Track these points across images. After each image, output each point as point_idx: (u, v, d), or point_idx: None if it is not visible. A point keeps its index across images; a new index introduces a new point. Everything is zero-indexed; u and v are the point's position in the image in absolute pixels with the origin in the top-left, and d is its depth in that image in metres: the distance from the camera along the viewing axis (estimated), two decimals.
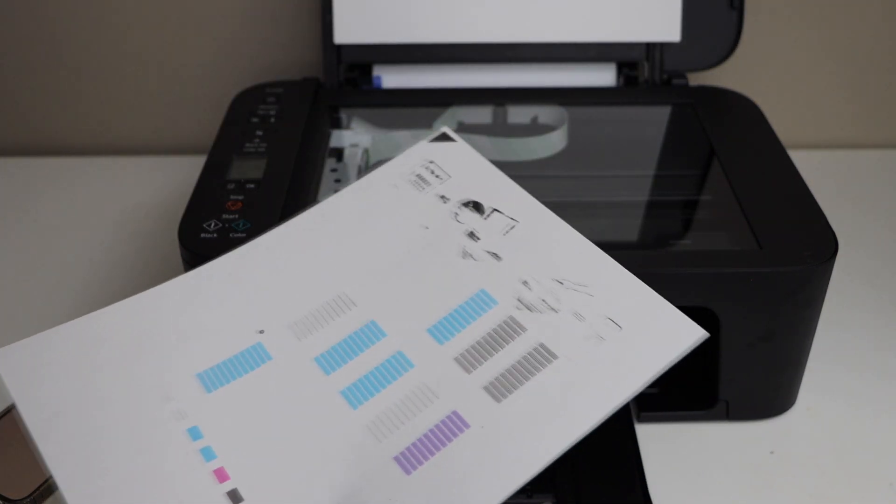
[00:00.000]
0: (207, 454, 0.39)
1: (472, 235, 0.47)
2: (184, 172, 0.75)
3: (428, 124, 0.63)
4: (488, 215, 0.48)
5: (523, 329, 0.43)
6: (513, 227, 0.47)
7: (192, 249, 0.49)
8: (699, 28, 0.68)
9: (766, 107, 0.64)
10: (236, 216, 0.51)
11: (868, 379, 0.55)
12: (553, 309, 0.43)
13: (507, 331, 0.43)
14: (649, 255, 0.52)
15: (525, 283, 0.45)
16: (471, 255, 0.46)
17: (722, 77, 0.75)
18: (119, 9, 0.77)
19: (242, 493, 0.38)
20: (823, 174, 0.69)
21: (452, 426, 0.40)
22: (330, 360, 0.43)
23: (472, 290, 0.45)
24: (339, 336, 0.44)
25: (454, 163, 0.51)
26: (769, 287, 0.46)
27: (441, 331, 0.44)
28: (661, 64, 0.68)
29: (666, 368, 0.41)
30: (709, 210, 0.56)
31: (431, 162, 0.51)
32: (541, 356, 0.42)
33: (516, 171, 0.61)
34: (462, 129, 0.64)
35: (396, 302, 0.45)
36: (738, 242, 0.50)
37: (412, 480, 0.38)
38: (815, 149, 0.80)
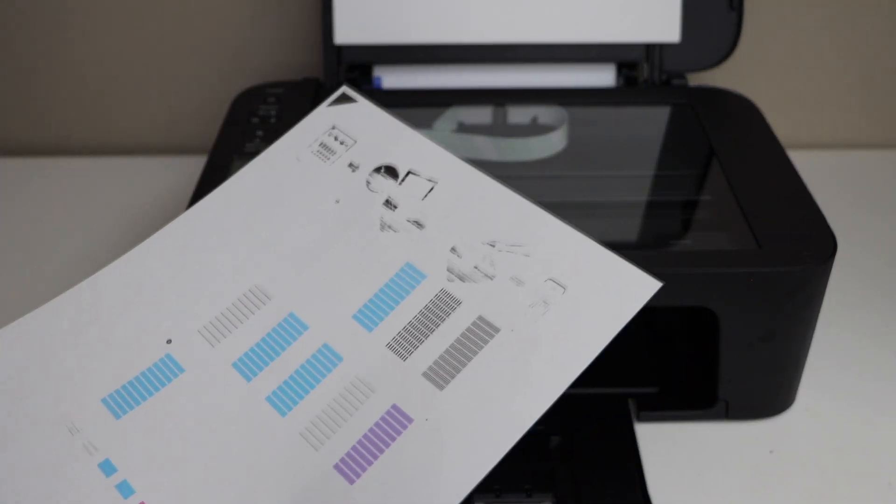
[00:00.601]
0: (125, 490, 0.35)
1: (388, 204, 0.42)
2: (184, 173, 0.75)
3: (428, 125, 0.63)
4: (403, 179, 0.43)
5: (458, 302, 0.39)
6: (432, 188, 0.42)
7: None
8: (698, 28, 0.68)
9: (765, 107, 0.64)
10: None
11: (867, 379, 0.55)
12: (488, 276, 0.39)
13: (441, 307, 0.39)
14: (649, 255, 0.52)
15: (454, 250, 0.40)
16: (390, 227, 0.42)
17: (721, 77, 0.75)
18: (119, 9, 0.77)
19: None
20: (822, 174, 0.69)
21: (394, 422, 0.36)
22: (250, 365, 0.39)
23: (397, 266, 0.40)
24: (256, 335, 0.40)
25: (359, 125, 0.46)
26: (768, 287, 0.47)
27: (368, 315, 0.39)
28: (661, 64, 0.68)
29: (621, 328, 0.36)
30: (708, 210, 0.56)
31: (334, 128, 0.46)
32: (481, 331, 0.38)
33: (516, 171, 0.61)
34: (462, 129, 0.64)
35: (315, 289, 0.41)
36: (738, 242, 0.50)
37: (357, 490, 0.34)
38: (814, 149, 0.80)
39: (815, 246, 0.48)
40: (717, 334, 0.48)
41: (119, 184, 0.77)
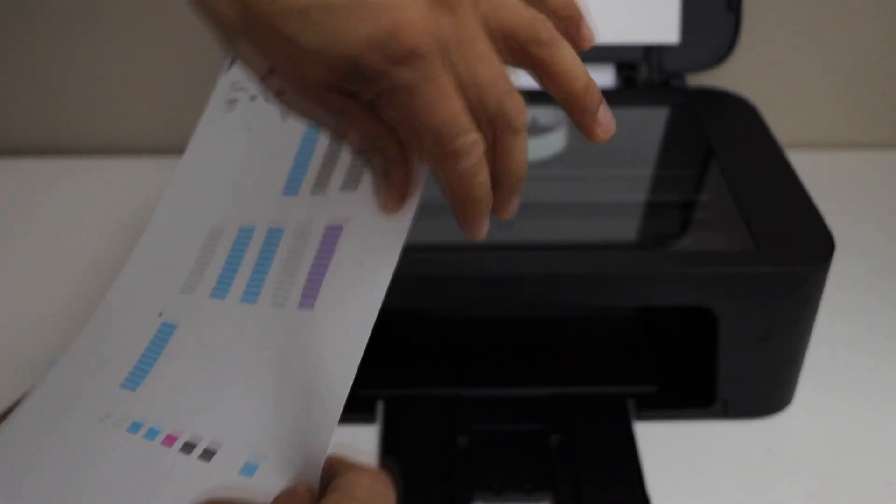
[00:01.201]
0: (151, 434, 0.39)
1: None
2: None
3: None
4: None
5: None
6: None
7: None
8: (697, 29, 0.68)
9: (763, 107, 0.64)
10: None
11: (865, 377, 0.55)
12: None
13: None
14: (648, 255, 0.53)
15: None
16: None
17: (720, 78, 0.75)
18: (120, 9, 0.77)
19: (195, 438, 0.38)
20: (820, 174, 0.70)
21: (329, 240, 0.39)
22: (221, 287, 0.43)
23: (299, 135, 0.44)
24: (220, 263, 0.44)
25: None
26: (767, 287, 0.47)
27: (292, 184, 0.43)
28: (660, 65, 0.69)
29: None
30: (707, 210, 0.57)
31: (235, 83, 0.51)
32: None
33: None
34: None
35: (250, 198, 0.45)
36: (736, 243, 0.50)
37: (318, 309, 0.38)
38: (812, 149, 0.81)
39: (814, 246, 0.48)
40: (716, 334, 0.48)
41: (120, 184, 0.77)
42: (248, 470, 0.36)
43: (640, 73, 0.70)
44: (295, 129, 0.45)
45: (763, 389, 0.52)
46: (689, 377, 0.54)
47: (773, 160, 0.56)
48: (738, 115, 0.63)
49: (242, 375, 0.39)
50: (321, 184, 0.42)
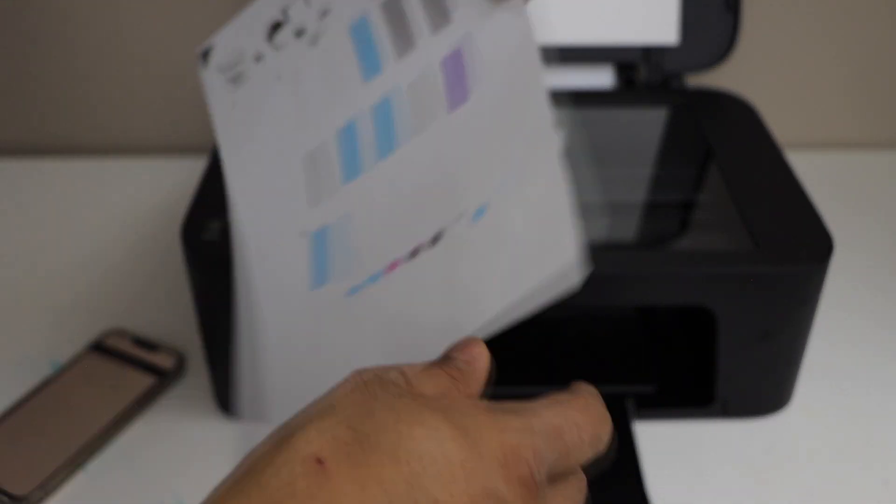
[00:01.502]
0: (373, 279, 0.39)
1: (298, 32, 0.46)
2: (186, 173, 0.75)
3: None
4: (287, 18, 0.46)
5: None
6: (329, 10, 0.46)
7: (194, 250, 0.49)
8: (696, 30, 0.69)
9: (762, 107, 0.64)
10: None
11: (864, 377, 0.56)
12: None
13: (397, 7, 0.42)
14: (647, 255, 0.53)
15: None
16: (315, 36, 0.45)
17: (719, 78, 0.76)
18: (121, 8, 0.77)
19: (417, 245, 0.38)
20: (819, 174, 0.70)
21: (454, 62, 0.39)
22: (351, 172, 0.42)
23: (344, 36, 0.44)
24: (335, 163, 0.43)
25: (231, 44, 0.49)
26: (766, 286, 0.47)
27: (370, 69, 0.43)
28: (659, 66, 0.69)
29: None
30: (706, 211, 0.57)
31: (221, 64, 0.49)
32: None
33: None
34: None
35: (328, 110, 0.44)
36: (735, 243, 0.50)
37: (474, 100, 0.38)
38: (812, 149, 0.81)
39: (813, 246, 0.48)
40: (715, 333, 0.49)
41: (121, 185, 0.78)
42: (479, 213, 0.36)
43: (640, 73, 0.70)
44: (334, 40, 0.44)
45: (762, 389, 0.52)
46: (688, 376, 0.54)
47: (771, 160, 0.57)
48: (736, 116, 0.63)
49: (431, 184, 0.38)
50: (404, 46, 0.41)
